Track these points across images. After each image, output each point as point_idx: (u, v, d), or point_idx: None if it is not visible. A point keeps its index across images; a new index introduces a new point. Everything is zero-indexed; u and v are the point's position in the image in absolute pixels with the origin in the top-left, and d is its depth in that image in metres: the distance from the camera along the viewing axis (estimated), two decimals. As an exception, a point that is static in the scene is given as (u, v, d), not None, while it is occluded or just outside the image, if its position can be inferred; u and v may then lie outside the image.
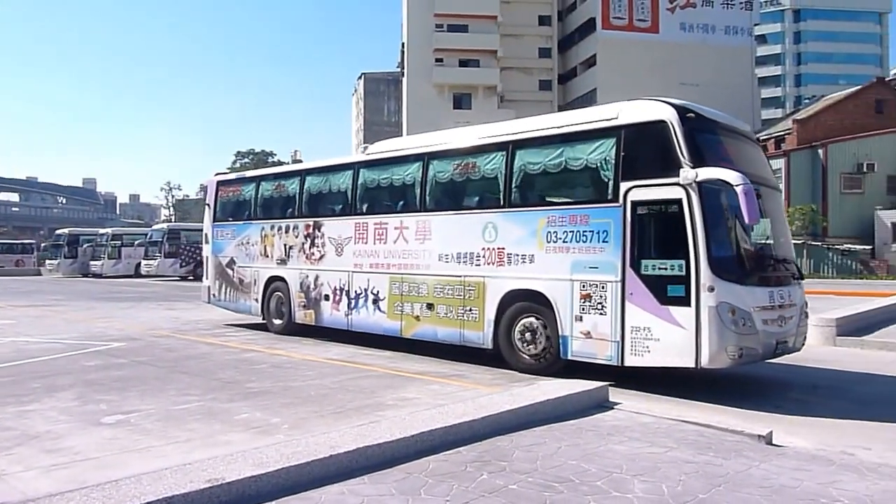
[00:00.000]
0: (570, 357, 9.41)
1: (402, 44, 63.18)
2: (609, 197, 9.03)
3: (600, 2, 57.93)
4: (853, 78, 71.84)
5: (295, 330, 14.05)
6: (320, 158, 15.77)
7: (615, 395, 7.86)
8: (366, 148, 14.09)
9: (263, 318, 14.95)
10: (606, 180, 9.12)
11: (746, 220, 8.13)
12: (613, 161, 9.02)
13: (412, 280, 11.53)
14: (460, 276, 10.77)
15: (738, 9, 59.88)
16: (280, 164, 63.88)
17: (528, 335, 9.93)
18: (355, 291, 12.59)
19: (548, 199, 10.13)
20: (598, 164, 9.23)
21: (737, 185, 8.09)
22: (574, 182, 9.94)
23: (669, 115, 8.61)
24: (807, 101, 68.33)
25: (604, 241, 8.99)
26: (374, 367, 10.30)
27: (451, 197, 11.42)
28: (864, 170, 43.65)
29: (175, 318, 17.95)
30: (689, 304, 8.21)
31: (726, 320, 8.13)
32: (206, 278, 16.49)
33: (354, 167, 12.96)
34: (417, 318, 11.42)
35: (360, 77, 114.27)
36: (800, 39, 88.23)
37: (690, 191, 8.26)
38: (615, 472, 5.26)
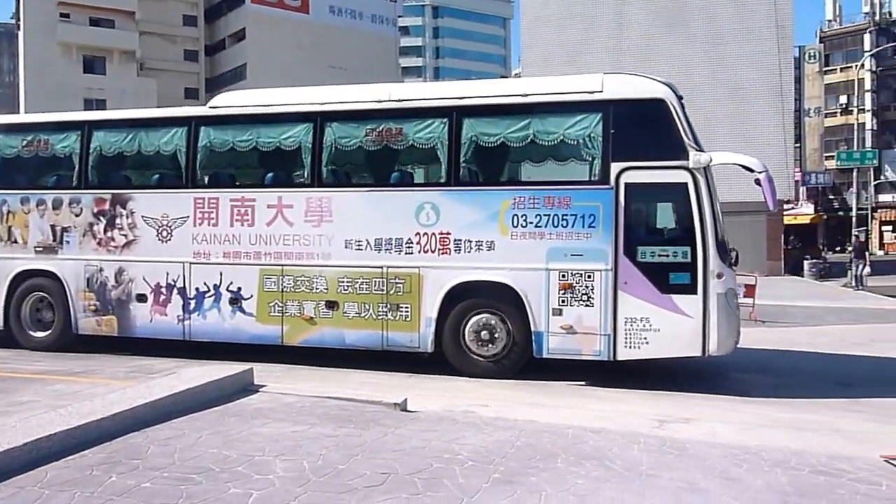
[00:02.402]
0: (545, 355, 8.54)
1: (18, -9, 54.44)
2: (596, 178, 8.39)
3: (248, -27, 56.43)
4: (483, 74, 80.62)
5: (73, 343, 10.41)
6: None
7: (262, 376, 7.77)
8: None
9: (6, 331, 10.72)
10: (591, 159, 8.47)
11: (771, 207, 8.21)
12: (601, 139, 8.29)
13: (302, 273, 9.27)
14: (381, 267, 8.97)
15: (383, -1, 63.16)
16: None
17: (484, 334, 8.77)
18: (197, 289, 9.72)
19: (511, 177, 9.14)
20: (580, 141, 8.44)
21: (760, 172, 8.07)
22: (547, 159, 9.08)
23: (666, 94, 8.21)
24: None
25: (590, 227, 8.24)
26: (-20, 368, 8.77)
27: (364, 169, 9.76)
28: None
29: None
30: (695, 292, 7.97)
31: (732, 306, 8.17)
32: None
33: (190, 124, 9.89)
34: (311, 320, 9.24)
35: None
36: (438, 34, 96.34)
37: (698, 175, 7.99)
38: (257, 455, 5.19)
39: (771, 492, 4.85)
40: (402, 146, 9.18)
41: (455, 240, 8.71)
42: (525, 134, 8.62)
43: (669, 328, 8.08)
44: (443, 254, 8.76)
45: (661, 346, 8.17)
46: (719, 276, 7.98)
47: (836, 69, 54.14)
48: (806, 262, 30.33)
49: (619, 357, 8.28)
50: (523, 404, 7.40)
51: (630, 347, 8.20)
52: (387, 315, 8.97)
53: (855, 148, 37.55)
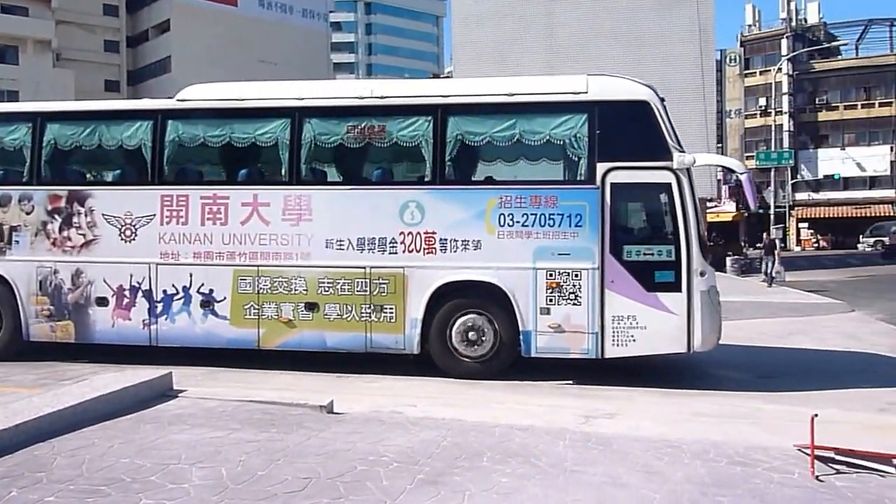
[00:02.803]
0: (534, 354, 8.52)
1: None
2: (583, 178, 8.44)
3: (174, -37, 54.75)
4: (415, 72, 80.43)
5: (25, 351, 9.59)
6: None
7: (183, 381, 7.49)
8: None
9: None
10: (577, 159, 8.52)
11: (752, 206, 8.95)
12: (587, 139, 8.36)
13: (279, 274, 8.90)
14: (364, 267, 8.73)
15: (314, -7, 62.21)
16: None
17: (472, 335, 8.64)
18: (164, 291, 9.18)
19: (498, 176, 9.07)
20: (567, 141, 8.51)
21: (742, 174, 8.61)
22: (533, 158, 9.13)
23: (649, 96, 8.40)
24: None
25: (577, 226, 8.30)
26: None
27: (345, 167, 9.54)
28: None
29: None
30: (679, 290, 8.14)
31: (715, 303, 8.40)
32: None
33: (157, 117, 9.36)
34: (290, 322, 8.90)
35: None
36: (371, 31, 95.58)
37: (681, 175, 8.17)
38: (172, 464, 4.99)
39: (690, 483, 4.94)
40: (385, 143, 8.96)
41: (441, 239, 8.59)
42: (511, 133, 8.63)
43: (656, 325, 8.23)
44: (428, 253, 8.62)
45: (648, 344, 8.31)
46: (702, 273, 8.20)
47: (755, 72, 56.22)
48: (728, 259, 31.31)
49: (608, 355, 8.36)
50: (452, 403, 7.35)
51: (617, 345, 8.30)
52: (370, 316, 8.73)
53: (773, 148, 39.08)
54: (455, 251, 8.56)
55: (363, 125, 8.88)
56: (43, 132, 9.57)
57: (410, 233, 8.63)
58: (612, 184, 8.30)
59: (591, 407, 7.34)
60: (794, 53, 51.53)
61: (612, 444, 5.80)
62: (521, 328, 8.49)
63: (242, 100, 9.42)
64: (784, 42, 54.99)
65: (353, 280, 8.75)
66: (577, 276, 8.33)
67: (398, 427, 6.18)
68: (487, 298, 8.61)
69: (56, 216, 9.47)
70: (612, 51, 31.00)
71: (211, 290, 9.09)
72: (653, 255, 8.33)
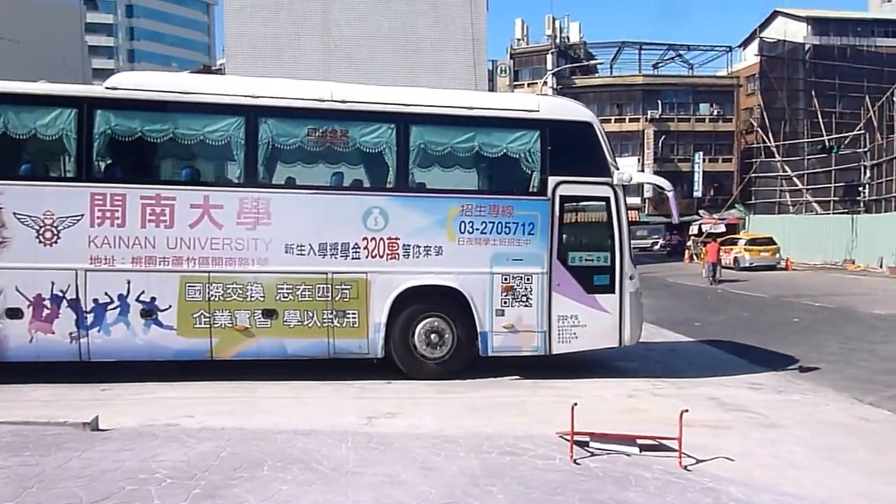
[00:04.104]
0: (490, 353, 9.08)
1: None
2: (536, 189, 9.07)
3: None
4: (184, 62, 75.83)
5: None
6: None
7: None
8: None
9: None
10: (531, 172, 9.10)
11: (675, 220, 10.22)
12: (540, 154, 9.02)
13: (233, 280, 8.49)
14: (326, 273, 8.59)
15: (64, -33, 56.21)
16: None
17: (434, 337, 8.96)
18: (95, 300, 8.26)
19: (458, 185, 9.38)
20: (522, 156, 9.07)
21: (668, 191, 9.91)
22: (491, 170, 9.51)
23: (592, 118, 9.43)
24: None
25: (530, 234, 8.99)
26: None
27: (306, 170, 9.29)
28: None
29: None
30: (613, 292, 9.13)
31: (640, 303, 9.43)
32: None
33: (81, 106, 8.34)
34: (246, 331, 8.53)
35: None
36: (132, 13, 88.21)
37: (618, 190, 9.17)
38: None
39: (464, 476, 5.26)
40: (347, 148, 9.03)
41: (404, 245, 8.84)
42: (472, 145, 9.10)
43: (594, 323, 9.18)
44: (391, 259, 8.82)
45: (587, 340, 9.26)
46: (631, 277, 9.30)
47: (524, 84, 59.94)
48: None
49: (554, 351, 9.17)
50: (234, 412, 7.14)
51: (562, 342, 9.16)
52: (333, 322, 8.73)
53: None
54: (418, 257, 8.88)
55: (325, 129, 8.91)
56: None
57: (374, 238, 8.79)
58: (560, 196, 9.14)
59: (374, 407, 7.50)
60: (558, 69, 55.96)
61: (393, 444, 5.99)
62: (478, 329, 9.04)
63: (188, 93, 8.84)
64: (549, 57, 59.24)
65: (314, 286, 8.70)
66: (528, 279, 9.06)
67: (173, 440, 5.87)
68: (448, 302, 9.03)
69: None
70: (388, 54, 31.66)
71: (153, 298, 8.46)
72: (593, 260, 9.33)
